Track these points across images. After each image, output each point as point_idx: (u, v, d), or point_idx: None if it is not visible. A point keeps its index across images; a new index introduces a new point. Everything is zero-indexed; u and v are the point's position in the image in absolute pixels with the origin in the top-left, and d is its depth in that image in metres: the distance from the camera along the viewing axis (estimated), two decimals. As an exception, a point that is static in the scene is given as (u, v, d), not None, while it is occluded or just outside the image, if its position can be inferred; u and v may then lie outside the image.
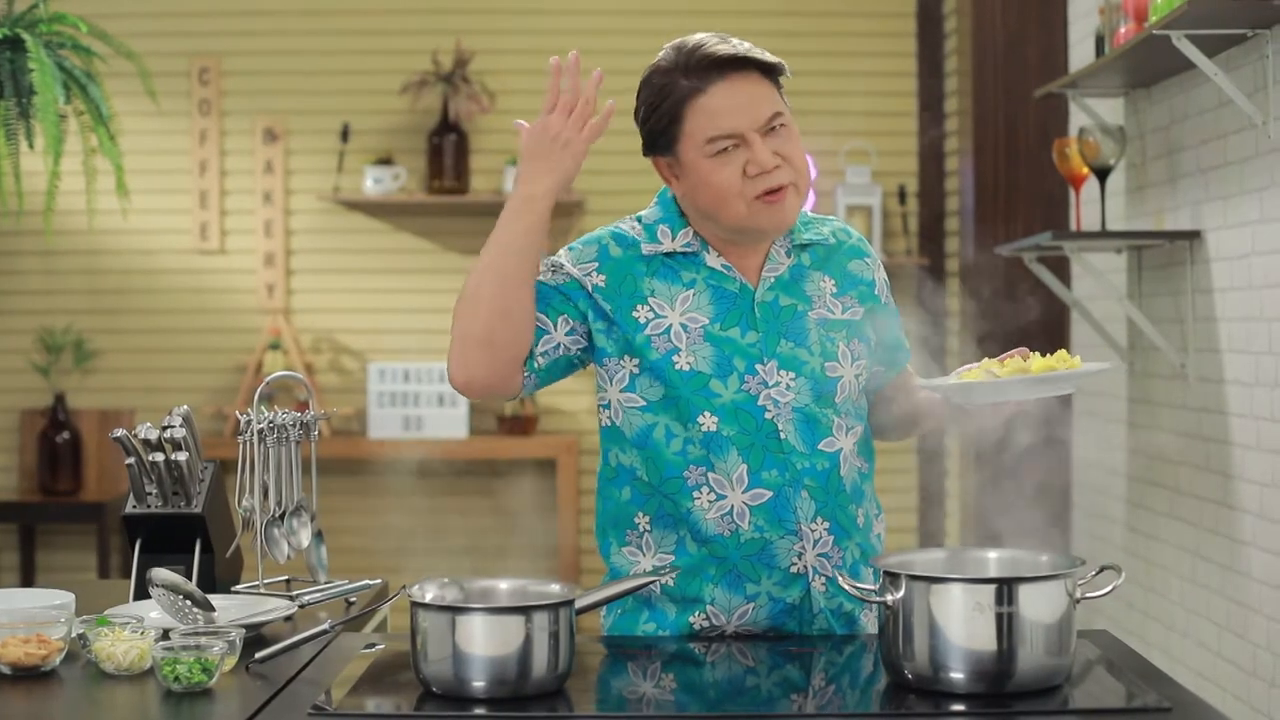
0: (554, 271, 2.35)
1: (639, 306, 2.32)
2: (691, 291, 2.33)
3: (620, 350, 2.32)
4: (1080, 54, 4.59)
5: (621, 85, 7.05)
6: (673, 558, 2.32)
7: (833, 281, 2.40)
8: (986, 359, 2.26)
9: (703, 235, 2.36)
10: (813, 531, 2.31)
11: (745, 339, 2.31)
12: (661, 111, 2.31)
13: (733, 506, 2.29)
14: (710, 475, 2.29)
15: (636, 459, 2.33)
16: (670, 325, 2.31)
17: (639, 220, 2.40)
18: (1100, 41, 4.01)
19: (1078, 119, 4.56)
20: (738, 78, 2.28)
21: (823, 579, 2.32)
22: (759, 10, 5.98)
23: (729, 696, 2.07)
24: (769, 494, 2.29)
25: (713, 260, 2.35)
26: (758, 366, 2.30)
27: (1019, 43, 5.29)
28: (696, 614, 2.32)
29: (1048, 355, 2.23)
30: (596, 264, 2.34)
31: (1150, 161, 4.09)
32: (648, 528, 2.34)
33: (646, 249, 2.35)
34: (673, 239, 2.36)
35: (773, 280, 2.36)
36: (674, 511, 2.31)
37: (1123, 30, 3.74)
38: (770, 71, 2.30)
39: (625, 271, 2.34)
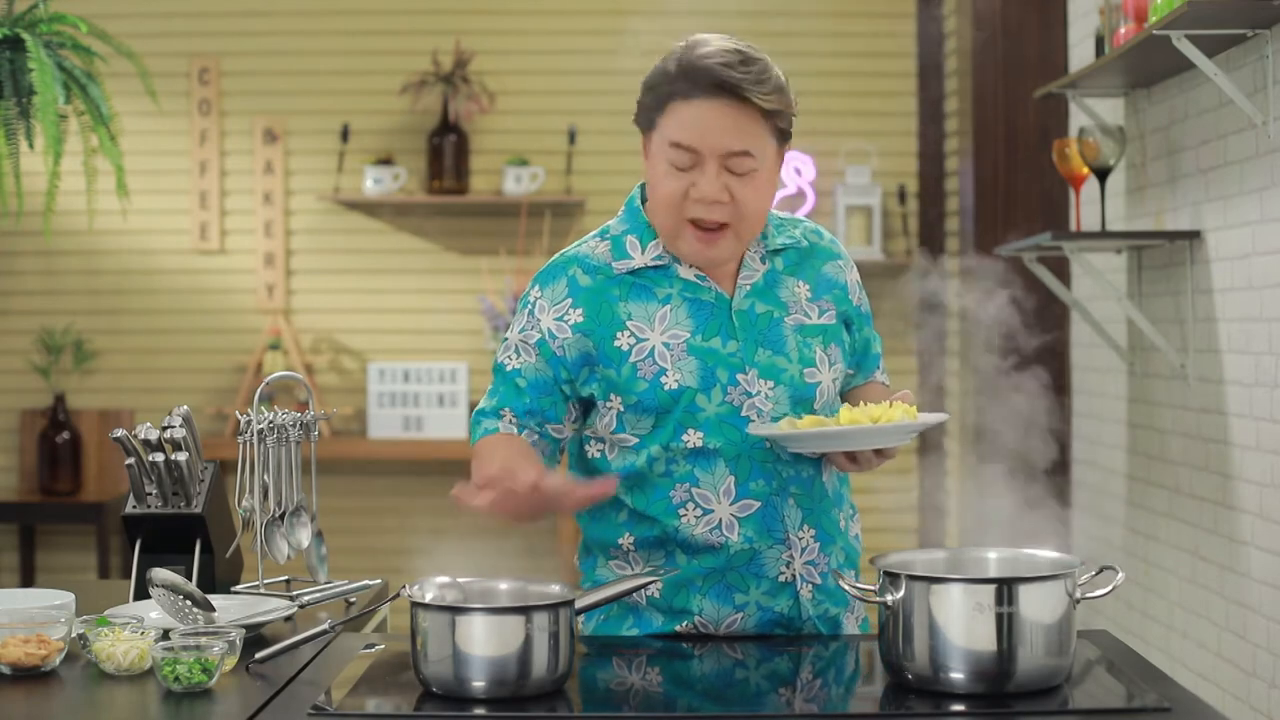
0: (538, 352, 2.31)
1: (619, 334, 2.29)
2: (668, 307, 2.30)
3: (605, 391, 2.29)
4: (1080, 54, 4.59)
5: (621, 85, 7.03)
6: (678, 570, 2.31)
7: (807, 286, 2.37)
8: (846, 407, 2.26)
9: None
10: (800, 539, 2.30)
11: (726, 349, 2.29)
12: (651, 95, 2.28)
13: (721, 519, 2.28)
14: (695, 490, 2.27)
15: (620, 486, 2.31)
16: (653, 346, 2.28)
17: (604, 234, 2.37)
18: (1100, 41, 4.01)
19: (1078, 119, 4.56)
20: (727, 101, 2.21)
21: (810, 586, 2.31)
22: (759, 10, 5.98)
23: (728, 695, 2.07)
24: (757, 504, 2.28)
25: (685, 272, 2.32)
26: (739, 376, 2.28)
27: (1019, 43, 5.29)
28: (684, 624, 2.31)
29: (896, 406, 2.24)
30: (570, 300, 2.30)
31: (1150, 162, 4.09)
32: (632, 547, 2.32)
33: (618, 268, 2.32)
34: (642, 252, 2.32)
35: (748, 288, 2.33)
36: (659, 531, 2.30)
37: (1123, 30, 3.74)
38: (766, 112, 2.23)
39: (600, 300, 2.30)
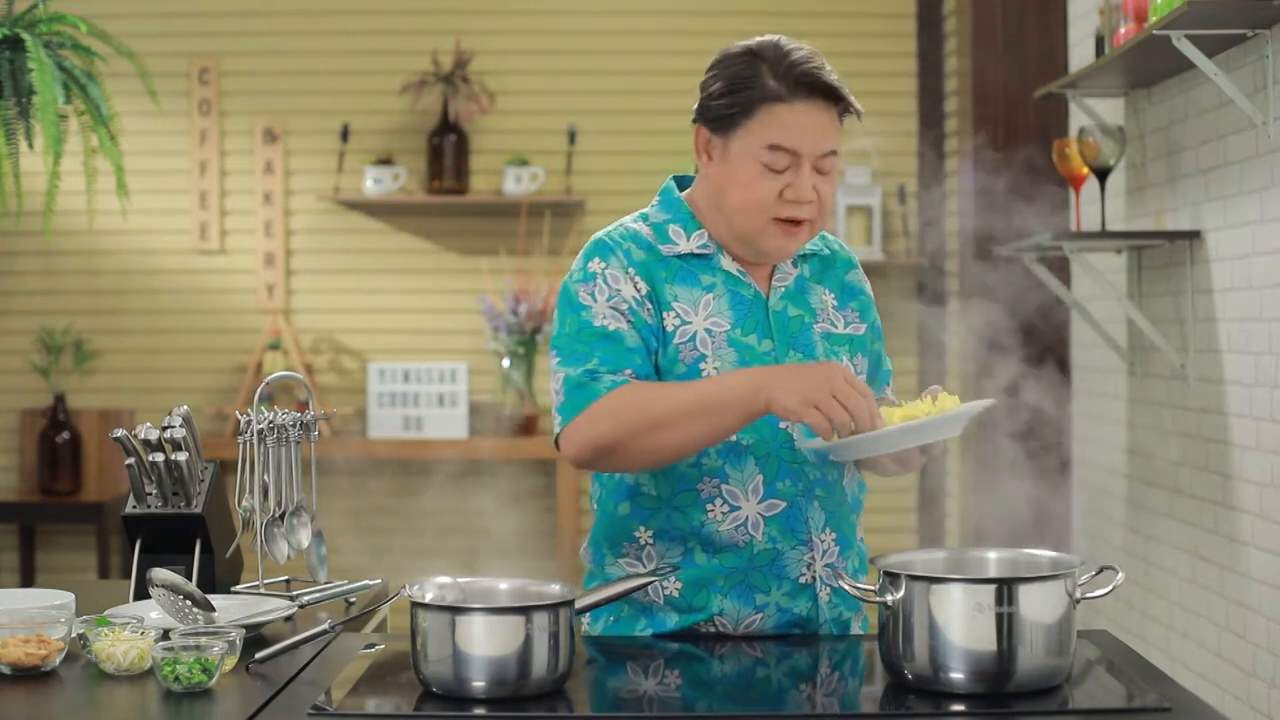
0: (630, 320, 2.26)
1: (665, 314, 2.28)
2: (711, 295, 2.30)
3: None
4: (1080, 54, 4.59)
5: (623, 85, 7.02)
6: (679, 570, 2.30)
7: (832, 295, 2.39)
8: (883, 407, 2.24)
9: (717, 237, 2.33)
10: (822, 542, 2.30)
11: (761, 346, 2.29)
12: (737, 98, 2.25)
13: (747, 517, 2.27)
14: (724, 487, 2.26)
15: (643, 474, 2.29)
16: (696, 331, 2.28)
17: (644, 219, 2.36)
18: (1100, 41, 4.01)
19: (1078, 119, 4.56)
20: (822, 104, 2.26)
21: (828, 589, 2.31)
22: (760, 10, 5.98)
23: (727, 696, 2.07)
24: (783, 504, 2.27)
25: (728, 264, 2.32)
26: None
27: (1019, 43, 5.29)
28: (702, 623, 2.29)
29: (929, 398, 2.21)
30: (632, 269, 2.29)
31: (1150, 162, 4.09)
32: (650, 541, 2.31)
33: (664, 250, 2.32)
34: (687, 239, 2.33)
35: (783, 290, 2.35)
36: (684, 525, 2.28)
37: (1123, 30, 3.74)
38: (845, 111, 2.29)
39: (650, 276, 2.30)
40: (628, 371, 2.23)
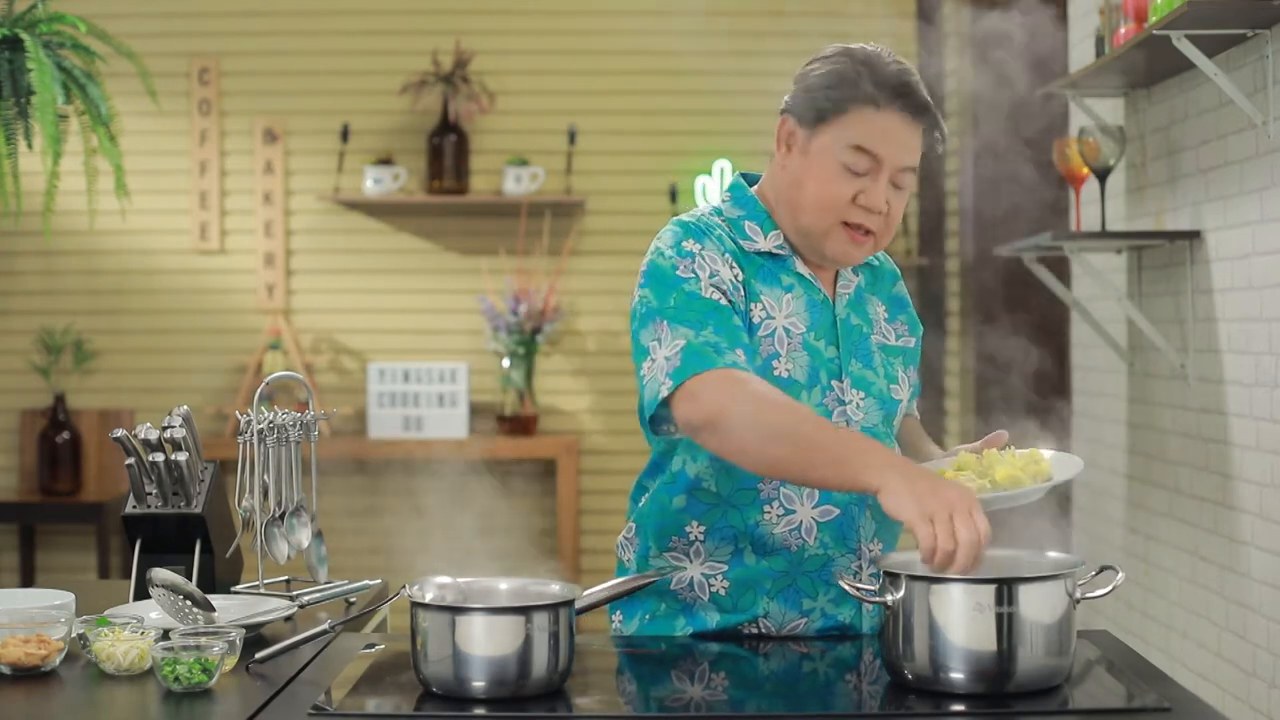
0: (730, 300, 2.22)
1: (754, 304, 2.28)
2: (790, 296, 2.30)
3: None
4: (1080, 54, 4.59)
5: (623, 85, 7.01)
6: (725, 568, 2.29)
7: (884, 307, 2.41)
8: (963, 452, 2.22)
9: (790, 240, 2.33)
10: (870, 550, 2.30)
11: (827, 352, 2.29)
12: (831, 93, 2.25)
13: (801, 521, 2.26)
14: (782, 489, 2.26)
15: (706, 469, 2.27)
16: (775, 329, 2.27)
17: (718, 214, 2.34)
18: (1100, 42, 4.01)
19: (1078, 119, 4.56)
20: (911, 119, 2.27)
21: None
22: (759, 10, 5.97)
23: (727, 697, 2.07)
24: (837, 511, 2.27)
25: (801, 267, 2.32)
26: (834, 383, 2.28)
27: (1019, 43, 5.28)
28: (745, 623, 2.29)
29: (1006, 449, 2.21)
30: (729, 255, 2.28)
31: (1150, 162, 4.09)
32: (700, 537, 2.29)
33: (745, 246, 2.31)
34: (764, 238, 2.32)
35: (846, 297, 2.35)
36: (739, 524, 2.27)
37: (1123, 30, 3.74)
38: (930, 135, 2.31)
39: (740, 264, 2.29)
40: (739, 351, 2.18)
